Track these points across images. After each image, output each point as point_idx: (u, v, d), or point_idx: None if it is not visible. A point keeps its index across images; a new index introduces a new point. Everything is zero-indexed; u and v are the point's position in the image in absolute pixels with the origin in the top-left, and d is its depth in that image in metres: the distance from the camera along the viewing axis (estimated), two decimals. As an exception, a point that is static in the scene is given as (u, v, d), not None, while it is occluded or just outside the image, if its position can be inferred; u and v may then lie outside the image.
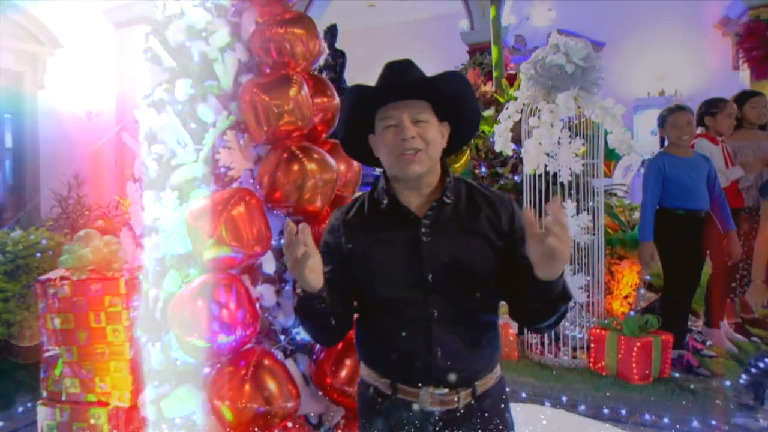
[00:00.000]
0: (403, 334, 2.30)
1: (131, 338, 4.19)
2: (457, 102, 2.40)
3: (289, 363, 4.72)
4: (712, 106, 7.04)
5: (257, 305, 4.55)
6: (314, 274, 2.10)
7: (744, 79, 11.06)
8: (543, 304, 2.17)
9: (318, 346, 4.64)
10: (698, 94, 12.26)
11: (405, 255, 2.30)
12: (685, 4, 12.80)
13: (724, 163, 6.75)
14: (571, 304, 5.70)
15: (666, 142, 6.37)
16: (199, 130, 4.80)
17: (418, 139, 2.27)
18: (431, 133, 2.31)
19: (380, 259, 2.34)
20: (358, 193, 3.43)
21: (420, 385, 2.31)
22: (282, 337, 4.72)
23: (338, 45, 9.44)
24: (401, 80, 2.32)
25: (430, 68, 7.28)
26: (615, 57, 13.55)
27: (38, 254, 5.28)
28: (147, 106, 5.01)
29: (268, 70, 4.91)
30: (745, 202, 6.87)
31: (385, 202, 2.39)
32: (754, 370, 5.82)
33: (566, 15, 13.29)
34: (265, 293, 4.71)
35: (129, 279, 4.21)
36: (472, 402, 2.35)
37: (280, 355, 4.60)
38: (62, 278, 4.13)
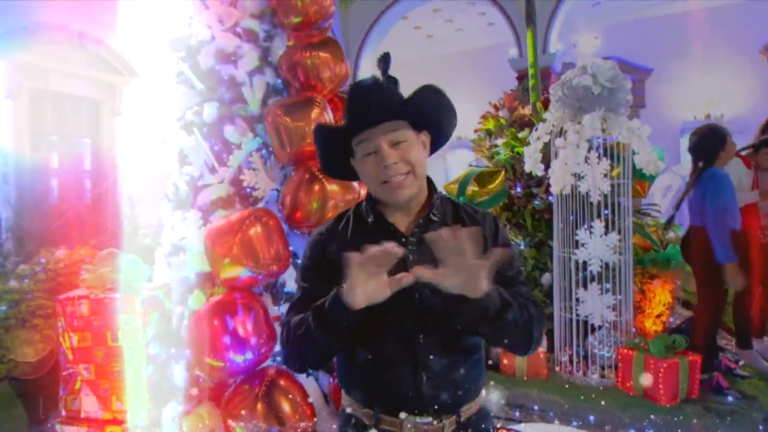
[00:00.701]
0: (388, 359, 1.98)
1: (147, 357, 3.88)
2: (432, 114, 2.08)
3: (310, 381, 4.40)
4: None
5: (278, 324, 4.25)
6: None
7: (787, 103, 10.44)
8: (489, 322, 1.83)
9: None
10: (743, 117, 11.66)
11: (391, 274, 1.89)
12: (730, 31, 12.18)
13: (752, 186, 6.20)
14: (599, 322, 5.33)
15: (697, 161, 5.72)
16: (226, 151, 4.55)
17: (401, 163, 1.95)
18: (413, 152, 1.98)
19: None
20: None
21: (404, 414, 1.98)
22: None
23: (398, 73, 8.99)
24: (373, 108, 1.97)
25: (482, 94, 6.95)
26: (662, 82, 13.03)
27: (82, 271, 5.06)
28: (179, 128, 4.78)
29: (296, 93, 4.64)
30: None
31: (371, 219, 2.06)
32: (787, 391, 5.28)
33: (614, 42, 12.82)
34: (288, 312, 4.40)
35: (146, 298, 3.91)
36: (457, 429, 2.02)
37: (300, 374, 4.28)
38: (80, 297, 3.86)
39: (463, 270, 1.67)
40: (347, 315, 1.77)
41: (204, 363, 3.88)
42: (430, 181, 2.12)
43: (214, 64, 4.67)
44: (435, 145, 2.17)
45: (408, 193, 1.98)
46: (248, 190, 4.50)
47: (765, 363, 5.91)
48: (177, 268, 4.52)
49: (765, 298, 6.37)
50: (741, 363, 5.89)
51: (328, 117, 4.35)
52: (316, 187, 4.23)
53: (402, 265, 1.93)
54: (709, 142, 5.60)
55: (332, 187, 4.24)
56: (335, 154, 2.10)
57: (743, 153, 6.48)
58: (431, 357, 1.95)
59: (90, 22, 8.57)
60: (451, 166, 13.76)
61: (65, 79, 8.57)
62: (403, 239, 2.00)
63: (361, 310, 1.76)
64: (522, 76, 10.72)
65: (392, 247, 1.68)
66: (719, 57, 12.41)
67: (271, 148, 4.57)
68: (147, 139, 8.96)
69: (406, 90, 2.03)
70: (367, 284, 1.73)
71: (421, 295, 1.93)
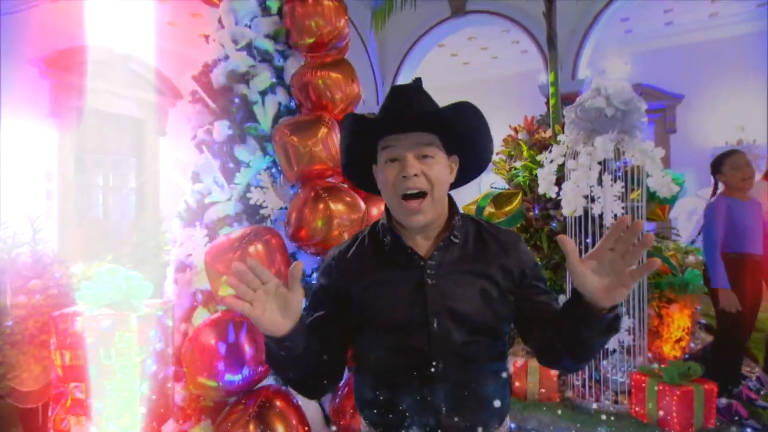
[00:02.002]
0: (404, 386, 1.76)
1: (142, 375, 3.65)
2: (467, 135, 1.87)
3: (311, 402, 4.14)
4: None
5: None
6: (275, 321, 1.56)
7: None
8: (594, 335, 1.58)
9: (342, 384, 4.06)
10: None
11: (407, 298, 1.77)
12: (760, 58, 11.72)
13: None
14: (614, 347, 4.99)
15: (718, 189, 5.49)
16: (237, 169, 4.35)
17: (422, 178, 1.75)
18: (437, 171, 1.78)
19: (380, 302, 1.80)
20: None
21: None
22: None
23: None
24: (406, 111, 1.78)
25: (516, 119, 6.58)
26: (693, 108, 12.61)
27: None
28: (194, 146, 4.60)
29: (308, 113, 4.44)
30: None
31: (388, 240, 1.86)
32: (810, 422, 4.87)
33: (644, 69, 12.50)
34: (292, 330, 4.16)
35: (144, 315, 3.68)
36: None
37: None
38: (74, 313, 3.63)
39: (617, 273, 1.45)
40: (274, 343, 1.58)
41: (198, 382, 3.65)
42: (452, 202, 1.93)
43: (227, 83, 4.49)
44: (469, 173, 1.99)
45: (423, 220, 1.78)
46: (257, 207, 4.31)
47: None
48: (183, 285, 4.33)
49: None
50: (763, 392, 5.48)
51: (336, 137, 4.13)
52: (321, 206, 4.00)
53: (419, 291, 1.77)
54: (712, 168, 5.54)
55: (337, 206, 4.00)
56: (358, 151, 1.91)
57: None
58: (450, 385, 1.74)
59: (136, 44, 8.55)
60: (485, 186, 13.51)
61: (109, 98, 8.55)
62: (422, 262, 1.80)
63: (289, 336, 1.55)
64: (552, 102, 10.46)
65: (248, 264, 1.49)
66: (750, 83, 11.99)
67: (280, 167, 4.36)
68: (182, 158, 8.85)
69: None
70: (266, 308, 1.52)
71: (440, 322, 1.74)
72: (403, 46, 12.08)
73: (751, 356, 6.27)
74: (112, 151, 8.94)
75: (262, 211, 4.27)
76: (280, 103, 4.52)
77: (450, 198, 1.91)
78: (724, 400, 4.98)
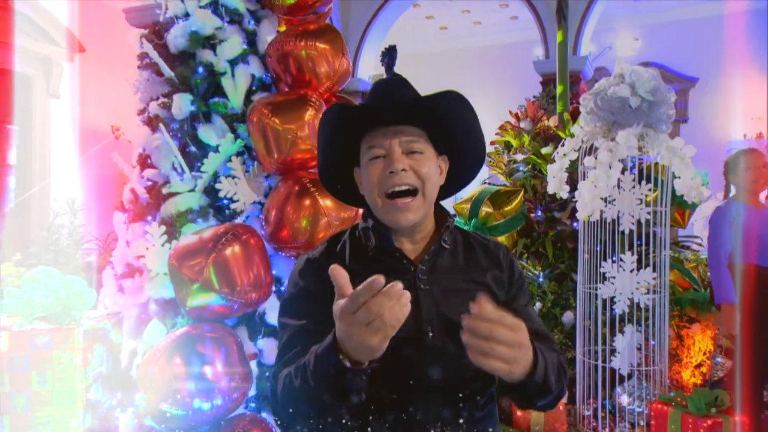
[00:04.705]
0: (387, 406, 1.80)
1: (87, 405, 3.64)
2: (457, 130, 1.99)
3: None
4: None
5: (254, 363, 4.10)
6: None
7: None
8: (517, 397, 1.82)
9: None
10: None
11: None
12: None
13: None
14: (629, 370, 5.19)
15: (731, 192, 5.76)
16: (200, 154, 4.39)
17: (411, 174, 1.86)
18: (427, 167, 1.90)
19: None
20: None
21: None
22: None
23: (406, 68, 8.89)
24: (391, 101, 1.89)
25: (501, 97, 6.79)
26: (709, 94, 12.77)
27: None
28: (141, 122, 4.62)
29: (286, 89, 4.51)
30: None
31: (373, 243, 1.96)
32: None
33: (654, 46, 12.68)
34: (267, 349, 4.23)
35: (89, 330, 3.67)
36: None
37: (277, 424, 4.14)
38: None
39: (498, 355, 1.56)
40: (361, 372, 1.58)
41: (159, 411, 3.65)
42: (439, 206, 2.06)
43: (188, 47, 4.49)
44: (459, 179, 2.13)
45: (413, 218, 1.88)
46: (225, 201, 4.37)
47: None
48: (131, 293, 4.34)
49: None
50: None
51: (324, 119, 4.20)
52: (307, 202, 4.03)
53: (414, 299, 1.74)
54: (725, 167, 5.91)
55: (325, 202, 4.05)
56: (339, 154, 2.02)
57: None
58: (447, 411, 1.83)
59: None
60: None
61: (-21, 46, 8.04)
62: (412, 267, 1.91)
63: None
64: (547, 81, 10.59)
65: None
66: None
67: (254, 153, 4.42)
68: (93, 130, 8.50)
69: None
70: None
71: (435, 332, 1.84)
72: (371, 6, 12.11)
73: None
74: (-19, 115, 8.48)
75: (233, 206, 4.33)
76: (253, 76, 4.54)
77: (437, 202, 2.04)
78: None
